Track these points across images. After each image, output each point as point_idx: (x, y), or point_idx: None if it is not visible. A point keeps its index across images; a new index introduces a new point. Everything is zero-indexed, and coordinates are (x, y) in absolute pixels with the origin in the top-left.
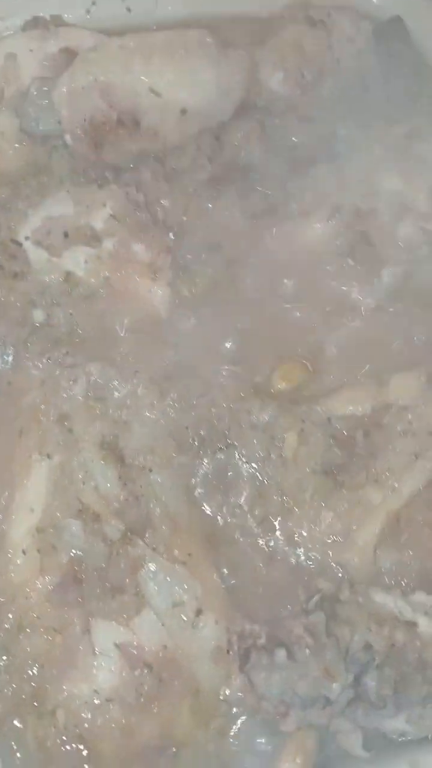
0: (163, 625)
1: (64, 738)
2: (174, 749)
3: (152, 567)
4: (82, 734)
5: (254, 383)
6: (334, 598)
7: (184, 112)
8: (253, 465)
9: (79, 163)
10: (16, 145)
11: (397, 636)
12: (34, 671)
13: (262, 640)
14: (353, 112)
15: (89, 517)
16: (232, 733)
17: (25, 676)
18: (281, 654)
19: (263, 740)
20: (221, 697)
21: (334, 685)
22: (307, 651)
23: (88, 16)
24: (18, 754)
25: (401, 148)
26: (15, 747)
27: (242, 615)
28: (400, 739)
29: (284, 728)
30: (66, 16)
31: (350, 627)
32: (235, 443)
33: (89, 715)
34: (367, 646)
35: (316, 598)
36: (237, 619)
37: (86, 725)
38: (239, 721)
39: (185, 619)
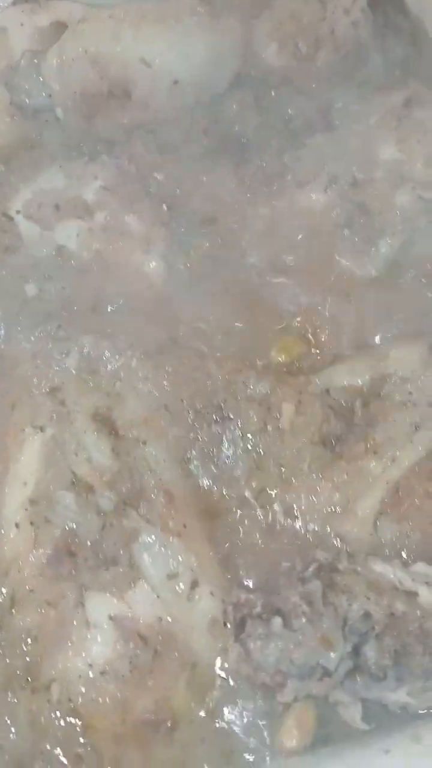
0: (158, 597)
1: (58, 713)
2: (169, 723)
3: (146, 538)
4: (76, 708)
5: (251, 356)
6: (331, 567)
7: (176, 82)
8: (250, 437)
9: (71, 136)
10: (7, 120)
11: (396, 605)
12: (27, 645)
13: (258, 609)
14: (349, 82)
15: (82, 488)
16: (229, 707)
17: (18, 651)
18: (277, 622)
19: (261, 714)
20: (218, 670)
21: (332, 655)
22: (304, 619)
23: None
24: (12, 729)
25: (398, 116)
26: (9, 722)
27: (238, 586)
28: (400, 712)
29: (281, 699)
30: None
31: (348, 596)
32: (231, 415)
33: (83, 689)
34: (366, 615)
35: (313, 567)
36: (233, 590)
37: (80, 699)
38: (237, 694)
39: (180, 591)
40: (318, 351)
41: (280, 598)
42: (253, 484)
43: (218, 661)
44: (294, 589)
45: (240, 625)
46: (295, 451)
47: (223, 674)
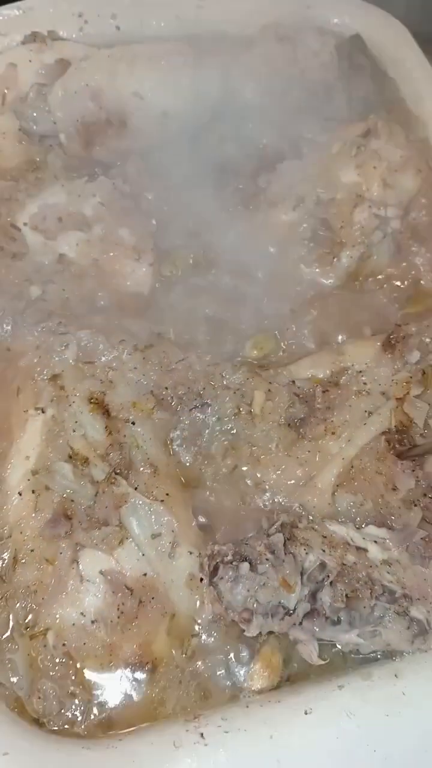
0: (143, 554)
1: (52, 656)
2: (150, 665)
3: (134, 503)
4: (69, 652)
5: (227, 351)
6: (293, 525)
7: (165, 114)
8: (226, 420)
9: (72, 160)
10: (17, 144)
11: (348, 557)
12: (27, 598)
13: (229, 557)
14: (317, 116)
15: (79, 461)
16: (204, 653)
17: (19, 603)
18: (245, 567)
19: (233, 659)
20: (194, 619)
21: (292, 595)
22: (268, 565)
23: (81, 33)
24: (12, 671)
25: (357, 145)
26: (9, 665)
27: (213, 542)
28: (348, 652)
29: (248, 633)
30: (61, 33)
31: (306, 547)
32: (209, 401)
33: (76, 636)
34: (322, 565)
35: (276, 524)
36: (208, 545)
37: (73, 645)
38: (211, 641)
39: (163, 549)
40: (286, 348)
41: (247, 547)
42: (228, 461)
43: (195, 612)
44: (260, 541)
45: (213, 571)
46: (264, 432)
47: (199, 623)
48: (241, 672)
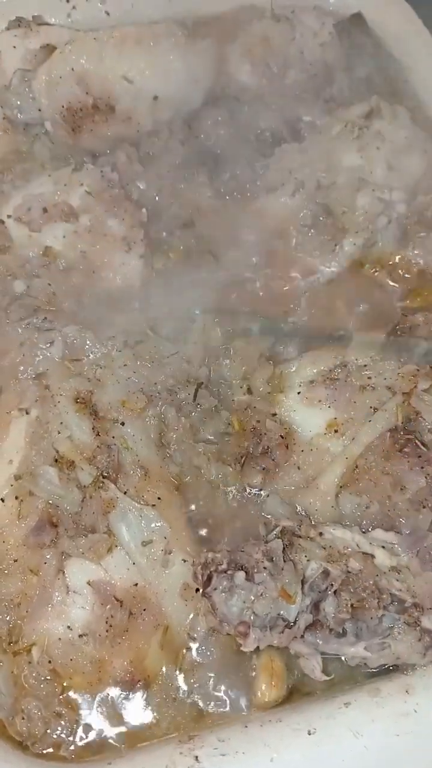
0: (133, 563)
1: (37, 673)
2: (142, 682)
3: (123, 508)
4: (55, 669)
5: (223, 347)
6: (293, 531)
7: (155, 98)
8: (224, 419)
9: (60, 149)
10: (1, 134)
11: (353, 564)
12: (10, 611)
13: (223, 566)
14: (317, 98)
15: (64, 464)
16: (200, 668)
17: (0, 617)
18: (240, 576)
19: (232, 674)
20: (189, 632)
21: (292, 607)
22: (265, 573)
23: (69, 20)
24: None
25: (359, 127)
26: None
27: (207, 549)
28: (355, 666)
29: (245, 648)
30: (50, 19)
31: (307, 554)
32: (202, 400)
33: (62, 651)
34: (325, 573)
35: (276, 530)
36: (201, 553)
37: (59, 661)
38: (208, 656)
39: (155, 557)
40: (285, 343)
41: (243, 555)
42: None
43: (190, 624)
44: (257, 547)
45: (207, 582)
46: None
47: (194, 636)
48: (240, 688)
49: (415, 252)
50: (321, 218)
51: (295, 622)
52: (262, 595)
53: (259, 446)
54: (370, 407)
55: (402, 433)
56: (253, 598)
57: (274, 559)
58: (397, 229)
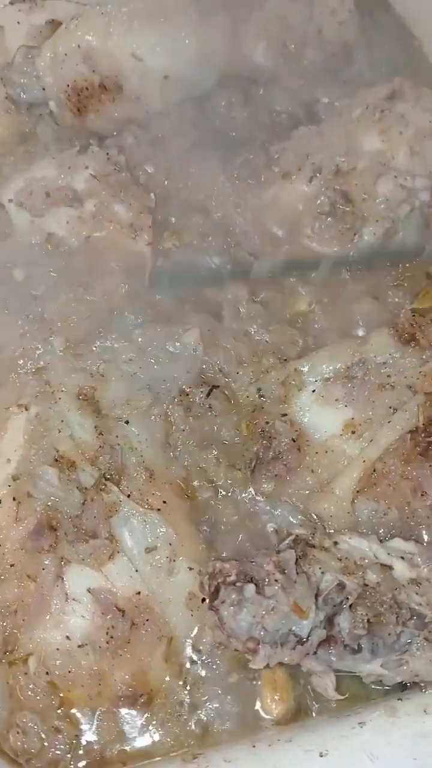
0: (136, 570)
1: (34, 685)
2: (144, 696)
3: (126, 512)
4: (53, 681)
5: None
6: (306, 540)
7: (166, 77)
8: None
9: (64, 130)
10: (2, 114)
11: (370, 576)
12: (6, 619)
13: (232, 577)
14: (335, 79)
15: (65, 464)
16: (205, 682)
17: None
18: (250, 589)
19: (238, 688)
20: (195, 644)
21: (304, 622)
22: (277, 587)
23: None
24: None
25: (381, 109)
26: None
27: (215, 558)
28: (370, 683)
29: (254, 665)
30: None
31: (321, 565)
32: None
33: (60, 662)
34: (340, 586)
35: (288, 540)
36: (209, 562)
37: (57, 672)
38: (214, 669)
39: (159, 565)
40: (301, 337)
41: (253, 566)
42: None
43: (195, 636)
44: (268, 558)
45: (214, 594)
46: None
47: (200, 648)
48: (248, 704)
49: None
50: (339, 206)
51: (307, 638)
52: (273, 609)
53: (270, 451)
54: (390, 407)
55: (423, 435)
56: (263, 612)
57: (286, 570)
58: (420, 218)
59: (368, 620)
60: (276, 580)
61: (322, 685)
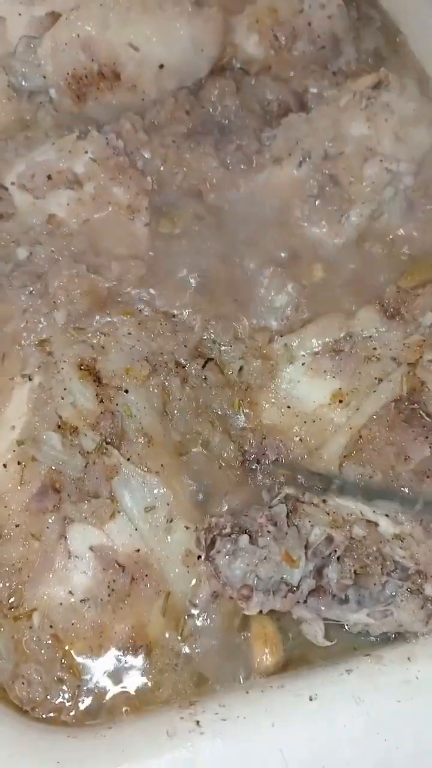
0: (136, 529)
1: (38, 639)
2: (143, 648)
3: (126, 474)
4: (56, 634)
5: (227, 318)
6: (297, 497)
7: (162, 66)
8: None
9: (64, 117)
10: (4, 101)
11: (356, 530)
12: (11, 576)
13: (227, 530)
14: (324, 69)
15: (67, 430)
16: (201, 634)
17: (1, 583)
18: (244, 539)
19: (232, 641)
20: (191, 600)
21: (295, 571)
22: (269, 537)
23: None
24: None
25: (367, 97)
26: None
27: (210, 515)
28: (357, 633)
29: (248, 612)
30: None
31: (311, 519)
32: (209, 373)
33: (64, 616)
34: (328, 539)
35: (280, 496)
36: (205, 520)
37: (60, 626)
38: (209, 622)
39: (158, 524)
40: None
41: (247, 519)
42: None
43: (192, 591)
44: (261, 512)
45: (210, 545)
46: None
47: (196, 603)
48: (241, 655)
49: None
50: (328, 188)
51: (298, 587)
52: (265, 558)
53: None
54: (375, 378)
55: (407, 403)
56: (256, 561)
57: (278, 523)
58: (404, 200)
59: (355, 571)
60: (268, 532)
61: (312, 632)
